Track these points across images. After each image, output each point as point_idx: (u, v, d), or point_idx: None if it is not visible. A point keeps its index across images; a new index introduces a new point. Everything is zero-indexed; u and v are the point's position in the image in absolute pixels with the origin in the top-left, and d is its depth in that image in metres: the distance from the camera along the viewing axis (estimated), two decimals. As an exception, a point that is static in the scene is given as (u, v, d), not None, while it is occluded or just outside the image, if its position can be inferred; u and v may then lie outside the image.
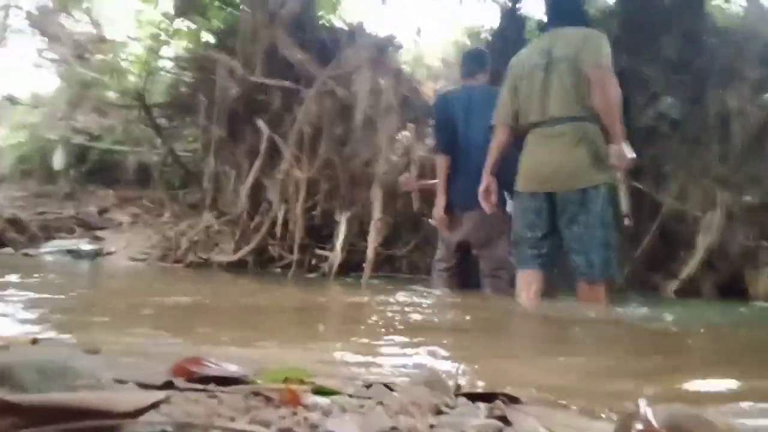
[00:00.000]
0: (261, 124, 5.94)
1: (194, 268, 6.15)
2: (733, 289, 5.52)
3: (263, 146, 5.93)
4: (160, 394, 0.60)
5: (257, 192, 6.24)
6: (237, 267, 6.09)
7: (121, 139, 8.75)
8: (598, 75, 2.94)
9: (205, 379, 0.90)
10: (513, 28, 6.82)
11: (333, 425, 0.60)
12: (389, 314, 2.66)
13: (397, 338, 1.87)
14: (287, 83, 5.92)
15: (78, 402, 0.53)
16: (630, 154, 2.93)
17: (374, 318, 2.54)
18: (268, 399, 0.77)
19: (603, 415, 0.83)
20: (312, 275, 5.64)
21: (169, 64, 7.70)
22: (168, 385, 0.82)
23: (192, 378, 0.92)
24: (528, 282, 3.16)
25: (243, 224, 6.10)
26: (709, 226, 5.42)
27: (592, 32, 3.14)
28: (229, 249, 6.11)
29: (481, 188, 3.35)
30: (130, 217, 8.27)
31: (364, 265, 4.80)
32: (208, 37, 7.16)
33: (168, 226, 7.46)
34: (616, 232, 3.12)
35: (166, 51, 7.61)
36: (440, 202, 3.97)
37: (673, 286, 5.31)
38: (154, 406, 0.56)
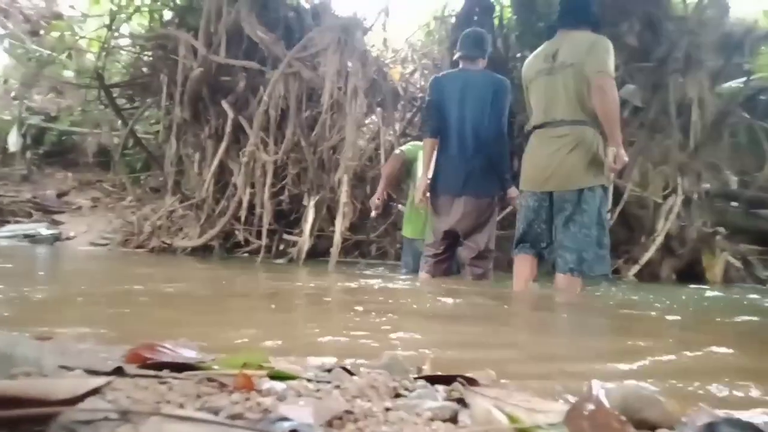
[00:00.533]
0: (226, 105, 5.80)
1: (158, 253, 6.01)
2: (691, 274, 5.71)
3: (228, 128, 5.80)
4: (101, 381, 0.58)
5: (222, 175, 6.12)
6: (202, 252, 5.98)
7: (79, 120, 8.46)
8: (600, 82, 3.03)
9: (160, 366, 0.88)
10: (480, 11, 6.81)
11: (286, 410, 0.59)
12: (355, 299, 2.65)
13: (363, 323, 1.87)
14: (252, 64, 5.78)
15: (12, 390, 0.50)
16: (625, 157, 3.10)
17: (339, 303, 2.53)
18: (222, 385, 0.75)
19: (559, 397, 0.84)
20: (280, 261, 5.58)
21: (128, 42, 7.42)
22: (117, 372, 0.79)
23: (145, 364, 0.89)
24: (523, 268, 3.37)
25: (208, 208, 5.98)
26: (668, 212, 5.58)
27: (599, 39, 3.18)
28: (194, 234, 5.99)
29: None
30: (90, 201, 8.03)
31: (331, 249, 4.78)
32: (168, 15, 6.93)
33: (130, 211, 7.28)
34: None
35: (125, 29, 7.33)
36: (422, 184, 3.94)
37: (633, 270, 5.46)
38: (93, 392, 0.53)
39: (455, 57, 4.07)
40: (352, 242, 6.46)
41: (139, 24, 7.51)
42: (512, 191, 3.89)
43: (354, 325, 1.74)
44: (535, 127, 3.35)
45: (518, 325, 2.16)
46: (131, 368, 0.83)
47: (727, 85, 6.84)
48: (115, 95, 7.00)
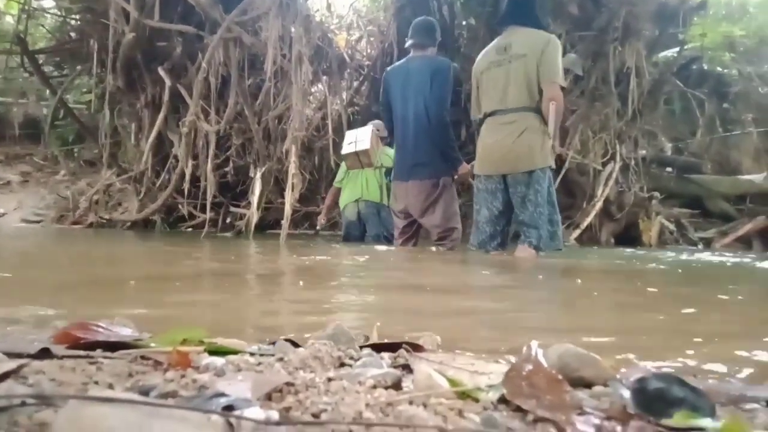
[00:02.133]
0: (162, 72, 5.51)
1: (95, 228, 5.76)
2: (628, 237, 5.99)
3: (165, 97, 5.53)
4: (13, 364, 0.54)
5: (161, 147, 5.87)
6: (143, 227, 5.77)
7: (2, 89, 7.88)
8: (552, 92, 3.33)
9: (92, 345, 0.83)
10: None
11: (223, 386, 0.57)
12: (309, 271, 2.63)
13: (314, 294, 1.85)
14: (188, 28, 5.50)
15: None
16: (558, 150, 3.50)
17: (295, 275, 2.50)
18: (157, 363, 0.72)
19: (500, 359, 0.86)
20: (227, 234, 5.46)
21: (51, 5, 6.91)
22: (43, 353, 0.74)
23: (76, 344, 0.84)
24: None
25: (147, 182, 5.75)
26: (607, 178, 5.80)
27: (552, 39, 3.45)
28: (134, 208, 5.76)
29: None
30: (19, 176, 7.58)
31: (282, 222, 4.70)
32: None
33: (64, 185, 6.93)
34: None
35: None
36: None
37: (574, 234, 5.67)
38: (4, 377, 0.50)
39: (407, 44, 4.23)
40: (302, 214, 6.39)
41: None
42: (462, 167, 4.06)
43: (303, 298, 1.72)
44: (487, 115, 3.56)
45: (473, 292, 2.20)
46: (59, 349, 0.79)
47: (662, 54, 7.09)
48: (40, 62, 6.54)
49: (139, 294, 1.74)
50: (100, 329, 0.93)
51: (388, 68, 4.35)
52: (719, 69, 8.56)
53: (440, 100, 3.93)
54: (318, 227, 5.79)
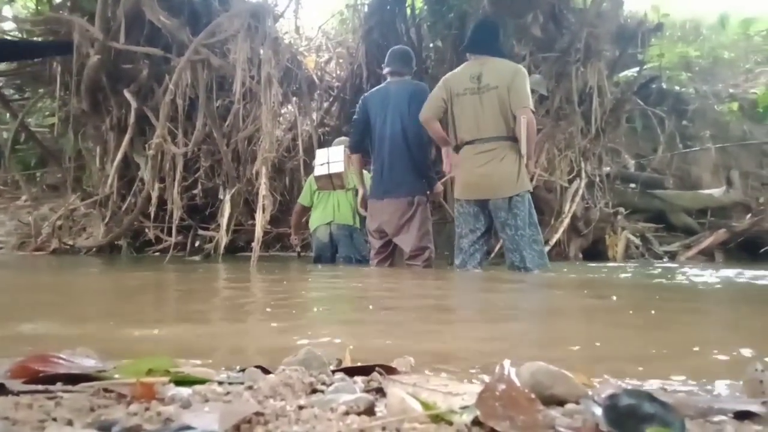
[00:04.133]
0: (128, 95, 5.43)
1: (59, 255, 5.58)
2: (595, 252, 6.10)
3: (132, 120, 5.44)
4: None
5: (127, 170, 5.76)
6: (109, 252, 5.62)
7: (-41, 113, 7.64)
8: (526, 117, 3.51)
9: (52, 378, 0.80)
10: (392, 1, 6.83)
11: (189, 418, 0.55)
12: (278, 295, 2.59)
13: (286, 318, 1.82)
14: (155, 51, 5.45)
15: None
16: (533, 168, 3.77)
17: (262, 299, 2.46)
18: (120, 395, 0.69)
19: (475, 379, 0.85)
20: (196, 258, 5.35)
21: (12, 27, 6.77)
22: (-2, 390, 0.71)
23: (34, 378, 0.81)
24: None
25: (113, 205, 5.62)
26: (573, 195, 5.91)
27: (519, 69, 3.68)
28: (99, 233, 5.61)
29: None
30: (-23, 202, 7.32)
31: (252, 245, 4.64)
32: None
33: (25, 211, 6.72)
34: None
35: (8, 11, 6.67)
36: (361, 194, 4.36)
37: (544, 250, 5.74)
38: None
39: (384, 71, 4.38)
40: (273, 235, 6.33)
41: (23, 6, 6.87)
42: (437, 187, 4.27)
43: (275, 322, 1.69)
44: (465, 143, 3.72)
45: (439, 309, 2.20)
46: (16, 384, 0.75)
47: (623, 74, 7.33)
48: (0, 85, 6.38)
49: (103, 321, 1.68)
50: (61, 361, 0.89)
51: (367, 93, 4.43)
52: (677, 88, 8.90)
53: (418, 120, 4.02)
54: (299, 250, 5.68)
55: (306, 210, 5.20)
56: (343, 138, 5.15)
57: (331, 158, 4.50)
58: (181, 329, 1.58)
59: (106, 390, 0.71)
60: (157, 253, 5.73)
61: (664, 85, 8.51)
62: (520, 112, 3.51)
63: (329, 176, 4.48)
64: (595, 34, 5.94)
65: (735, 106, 8.92)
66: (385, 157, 4.07)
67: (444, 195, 4.99)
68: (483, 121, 3.63)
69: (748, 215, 6.89)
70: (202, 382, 0.77)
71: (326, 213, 4.92)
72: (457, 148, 3.83)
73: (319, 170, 4.53)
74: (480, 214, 3.71)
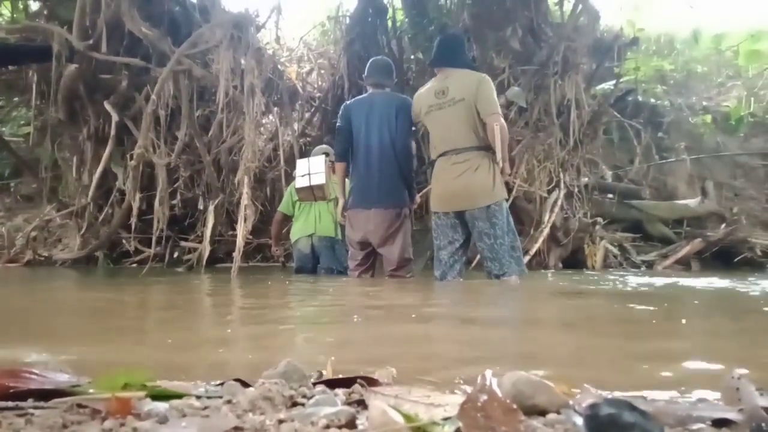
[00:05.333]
0: (108, 106, 5.36)
1: (33, 267, 5.46)
2: (574, 261, 6.17)
3: (113, 131, 5.37)
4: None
5: (104, 180, 5.67)
6: (85, 264, 5.52)
7: (-70, 122, 7.46)
8: (495, 120, 3.54)
9: (23, 395, 0.77)
10: (373, 13, 6.88)
11: (166, 434, 0.54)
12: (259, 306, 2.56)
13: (267, 329, 1.80)
14: (136, 61, 5.40)
15: None
16: (508, 170, 3.71)
17: (242, 310, 2.44)
18: (95, 411, 0.67)
19: (457, 390, 0.85)
20: (180, 269, 5.27)
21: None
22: (-35, 407, 0.68)
23: (5, 394, 0.78)
24: None
25: (89, 216, 5.52)
26: (552, 205, 5.98)
27: (483, 78, 3.69)
28: (75, 244, 5.50)
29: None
30: (-52, 213, 7.13)
31: (234, 255, 4.58)
32: (35, 6, 6.29)
33: (-2, 222, 6.56)
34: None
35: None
36: (340, 205, 4.29)
37: (524, 260, 5.78)
38: None
39: (366, 82, 4.38)
40: (253, 246, 6.28)
41: (-1, 14, 6.76)
42: (416, 199, 4.32)
43: (256, 334, 1.67)
44: (439, 155, 3.76)
45: (421, 319, 2.20)
46: (-16, 401, 0.73)
47: (600, 87, 7.48)
48: (-27, 93, 6.26)
49: (79, 335, 1.65)
50: (33, 376, 0.86)
51: (350, 101, 4.40)
52: (653, 100, 9.10)
53: (406, 133, 4.10)
54: (282, 260, 5.64)
55: (287, 219, 5.16)
56: (322, 147, 5.13)
57: (312, 169, 4.48)
58: (164, 338, 1.55)
59: (80, 406, 0.69)
60: (135, 265, 5.64)
61: (640, 98, 8.70)
62: (490, 119, 3.54)
63: (310, 188, 4.46)
64: (573, 48, 6.05)
65: (708, 118, 9.15)
66: (374, 167, 4.04)
67: (421, 206, 5.06)
68: (453, 133, 3.66)
69: (723, 225, 7.05)
70: (179, 396, 0.75)
71: (307, 225, 4.89)
72: (432, 162, 3.86)
73: (300, 182, 4.51)
74: (458, 226, 3.73)
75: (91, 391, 0.77)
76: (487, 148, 3.62)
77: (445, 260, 3.75)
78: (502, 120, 3.61)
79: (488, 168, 3.61)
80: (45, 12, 5.97)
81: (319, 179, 4.42)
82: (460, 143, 3.65)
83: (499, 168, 3.60)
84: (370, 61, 4.39)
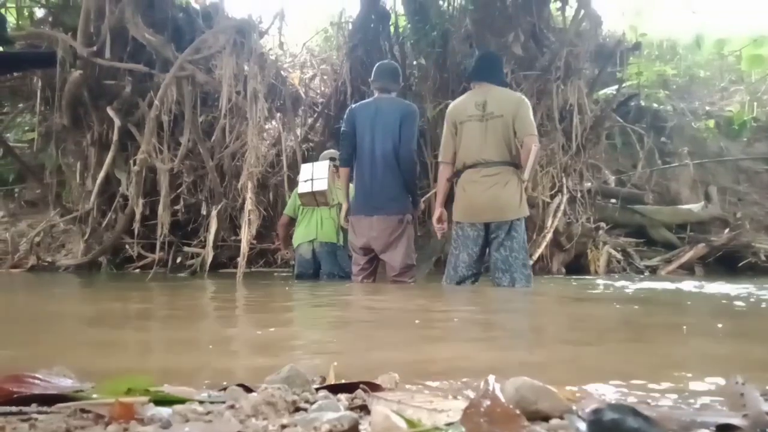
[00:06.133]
0: (111, 112, 5.38)
1: (37, 272, 5.47)
2: (577, 266, 6.16)
3: (115, 137, 5.39)
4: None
5: (108, 185, 5.69)
6: (88, 269, 5.53)
7: (-64, 128, 7.51)
8: (535, 144, 3.66)
9: (27, 400, 0.77)
10: (376, 18, 6.90)
11: (169, 439, 0.54)
12: (263, 311, 2.56)
13: (271, 334, 1.80)
14: (139, 67, 5.42)
15: None
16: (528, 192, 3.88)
17: (247, 315, 2.44)
18: (98, 416, 0.67)
19: (460, 395, 0.85)
20: (183, 274, 5.28)
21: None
22: (-31, 413, 0.69)
23: (8, 399, 0.78)
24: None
25: (93, 222, 5.53)
26: (555, 210, 5.97)
27: (522, 99, 3.83)
28: (78, 249, 5.52)
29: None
30: (-47, 218, 7.16)
31: (238, 260, 4.59)
32: (40, 13, 6.34)
33: (3, 227, 6.59)
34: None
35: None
36: (344, 209, 4.29)
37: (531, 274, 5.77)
38: None
39: (372, 86, 4.37)
40: (256, 251, 6.28)
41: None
42: (420, 206, 4.41)
43: (259, 338, 1.67)
44: (466, 167, 3.82)
45: (426, 327, 2.20)
46: (-12, 406, 0.73)
47: (602, 92, 7.48)
48: (-22, 100, 6.30)
49: (82, 340, 1.65)
50: (37, 381, 0.86)
51: (354, 105, 4.39)
52: (655, 105, 9.10)
53: (410, 140, 4.10)
54: (293, 263, 5.59)
55: (293, 221, 5.16)
56: (330, 152, 5.13)
57: (316, 175, 4.49)
58: (168, 343, 1.55)
59: (83, 410, 0.69)
60: (138, 270, 5.65)
61: (642, 103, 8.70)
62: (528, 140, 3.65)
63: (312, 194, 4.46)
64: (575, 53, 6.05)
65: (711, 123, 9.14)
66: (377, 173, 4.05)
67: (424, 212, 5.06)
68: (487, 146, 3.75)
69: (726, 230, 7.02)
70: (182, 401, 0.75)
71: (309, 230, 4.89)
72: (457, 172, 3.90)
73: (303, 187, 4.51)
74: (479, 238, 3.80)
75: (94, 396, 0.77)
76: (516, 165, 3.75)
77: (461, 271, 3.81)
78: (537, 141, 3.74)
79: (516, 184, 3.73)
80: (50, 19, 6.01)
81: (321, 185, 4.42)
82: (491, 157, 3.74)
83: (524, 186, 3.74)
84: (377, 65, 4.39)
